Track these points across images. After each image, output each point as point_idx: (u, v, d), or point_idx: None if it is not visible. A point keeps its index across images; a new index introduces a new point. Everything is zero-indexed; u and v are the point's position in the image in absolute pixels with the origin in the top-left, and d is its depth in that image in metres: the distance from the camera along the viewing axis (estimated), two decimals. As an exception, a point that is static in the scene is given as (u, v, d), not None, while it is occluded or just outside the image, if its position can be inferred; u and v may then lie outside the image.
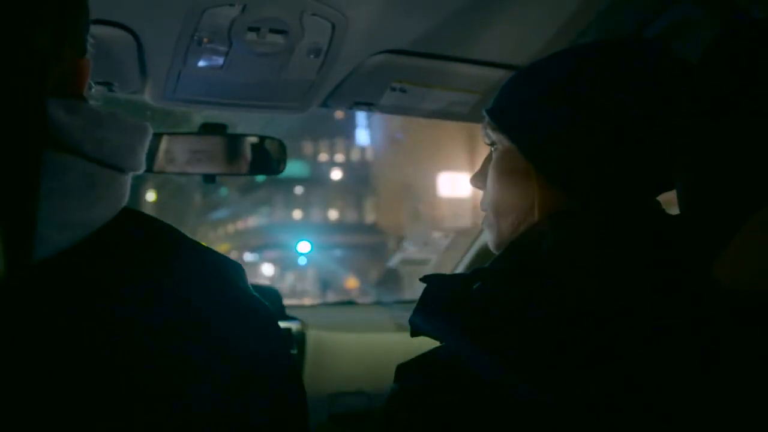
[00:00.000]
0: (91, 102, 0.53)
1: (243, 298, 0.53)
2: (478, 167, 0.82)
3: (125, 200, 0.52)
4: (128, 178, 0.52)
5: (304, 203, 22.71)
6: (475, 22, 1.08)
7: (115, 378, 0.44)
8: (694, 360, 0.53)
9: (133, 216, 0.52)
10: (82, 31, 0.53)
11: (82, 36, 0.53)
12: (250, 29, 1.03)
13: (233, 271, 0.55)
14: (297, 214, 22.76)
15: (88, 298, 0.45)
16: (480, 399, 0.58)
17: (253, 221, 23.26)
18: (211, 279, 0.52)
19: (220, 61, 1.12)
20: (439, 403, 0.60)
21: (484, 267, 0.70)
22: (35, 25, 0.45)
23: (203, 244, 0.55)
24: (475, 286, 0.66)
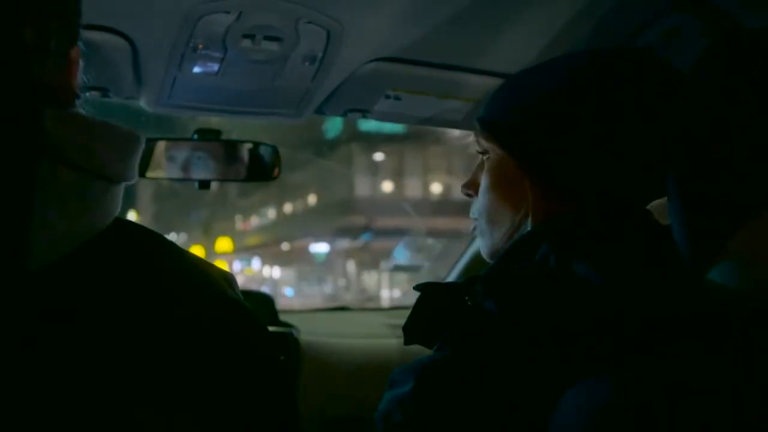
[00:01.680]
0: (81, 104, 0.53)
1: (229, 308, 0.53)
2: None
3: (116, 211, 0.51)
4: (120, 189, 0.52)
5: (395, 172, 15.84)
6: (470, 30, 1.08)
7: (99, 387, 0.44)
8: (689, 365, 0.53)
9: (124, 226, 0.52)
10: (72, 19, 0.51)
11: (72, 25, 0.51)
12: (245, 36, 1.03)
13: (223, 280, 0.54)
14: (387, 186, 16.27)
15: (76, 310, 0.45)
16: (472, 407, 0.58)
17: (312, 199, 17.77)
18: (197, 290, 0.52)
19: (215, 67, 1.12)
20: (431, 411, 0.60)
21: (479, 275, 0.70)
22: (21, 23, 0.45)
23: (195, 253, 0.55)
24: (467, 298, 0.66)
